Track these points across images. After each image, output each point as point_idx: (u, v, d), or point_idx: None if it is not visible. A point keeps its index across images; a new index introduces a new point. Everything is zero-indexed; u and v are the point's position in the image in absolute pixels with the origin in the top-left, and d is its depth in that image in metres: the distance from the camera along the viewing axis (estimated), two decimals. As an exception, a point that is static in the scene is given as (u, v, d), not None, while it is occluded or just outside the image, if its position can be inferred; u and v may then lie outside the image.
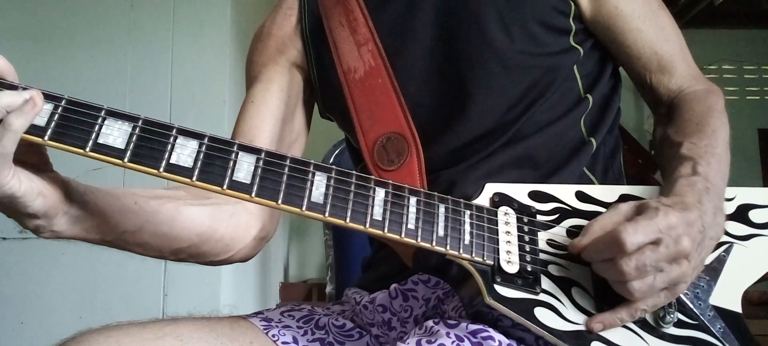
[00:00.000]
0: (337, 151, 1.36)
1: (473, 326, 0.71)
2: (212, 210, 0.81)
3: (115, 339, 0.72)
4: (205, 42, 2.52)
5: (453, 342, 0.69)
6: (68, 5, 2.50)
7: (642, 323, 0.72)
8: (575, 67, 0.89)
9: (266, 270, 3.14)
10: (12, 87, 0.58)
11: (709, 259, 0.78)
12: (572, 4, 0.89)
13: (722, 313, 0.77)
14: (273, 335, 0.83)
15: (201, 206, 0.79)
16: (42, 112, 0.58)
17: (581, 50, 0.90)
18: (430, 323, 0.74)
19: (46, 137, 0.59)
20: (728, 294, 0.78)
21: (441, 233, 0.70)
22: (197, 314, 0.83)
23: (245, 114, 0.93)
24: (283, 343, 0.83)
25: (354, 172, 0.69)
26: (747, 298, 0.80)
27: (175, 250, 0.78)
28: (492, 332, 0.71)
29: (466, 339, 0.70)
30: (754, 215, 0.84)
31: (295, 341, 0.84)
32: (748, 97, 4.31)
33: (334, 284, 1.39)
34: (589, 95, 0.91)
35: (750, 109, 4.17)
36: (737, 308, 0.78)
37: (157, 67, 2.48)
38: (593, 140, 0.89)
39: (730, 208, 0.83)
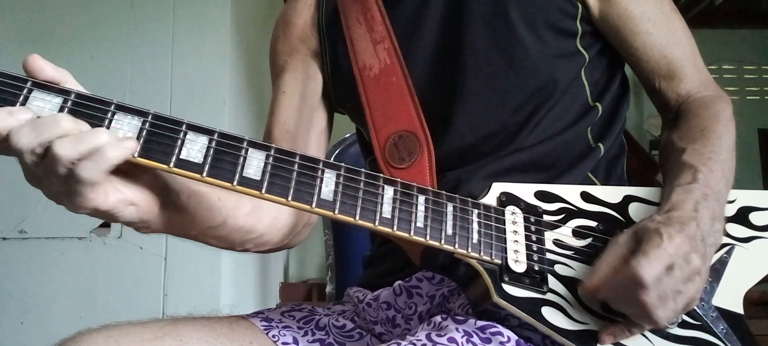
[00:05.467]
0: (337, 151, 1.36)
1: (481, 323, 0.71)
2: None
3: (115, 339, 0.71)
4: (205, 42, 2.52)
5: (462, 336, 0.69)
6: (68, 5, 2.50)
7: None
8: (583, 73, 0.89)
9: (266, 270, 3.14)
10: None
11: (712, 260, 0.78)
12: (579, 5, 0.88)
13: (725, 314, 0.77)
14: (273, 336, 0.83)
15: None
16: (49, 106, 0.58)
17: (587, 56, 0.89)
18: (437, 318, 0.74)
19: None
20: (730, 295, 0.78)
21: (449, 231, 0.70)
22: (197, 314, 0.83)
23: (279, 105, 0.96)
24: (283, 343, 0.83)
25: (363, 170, 0.69)
26: (747, 298, 0.80)
27: (245, 241, 0.81)
28: (501, 328, 0.71)
29: (474, 335, 0.69)
30: (755, 218, 0.84)
31: (296, 341, 0.84)
32: (748, 97, 4.30)
33: (334, 283, 1.39)
34: (598, 103, 0.89)
35: (750, 109, 4.17)
36: (739, 309, 0.78)
37: (157, 67, 2.48)
38: (601, 146, 0.88)
39: (731, 210, 0.83)
